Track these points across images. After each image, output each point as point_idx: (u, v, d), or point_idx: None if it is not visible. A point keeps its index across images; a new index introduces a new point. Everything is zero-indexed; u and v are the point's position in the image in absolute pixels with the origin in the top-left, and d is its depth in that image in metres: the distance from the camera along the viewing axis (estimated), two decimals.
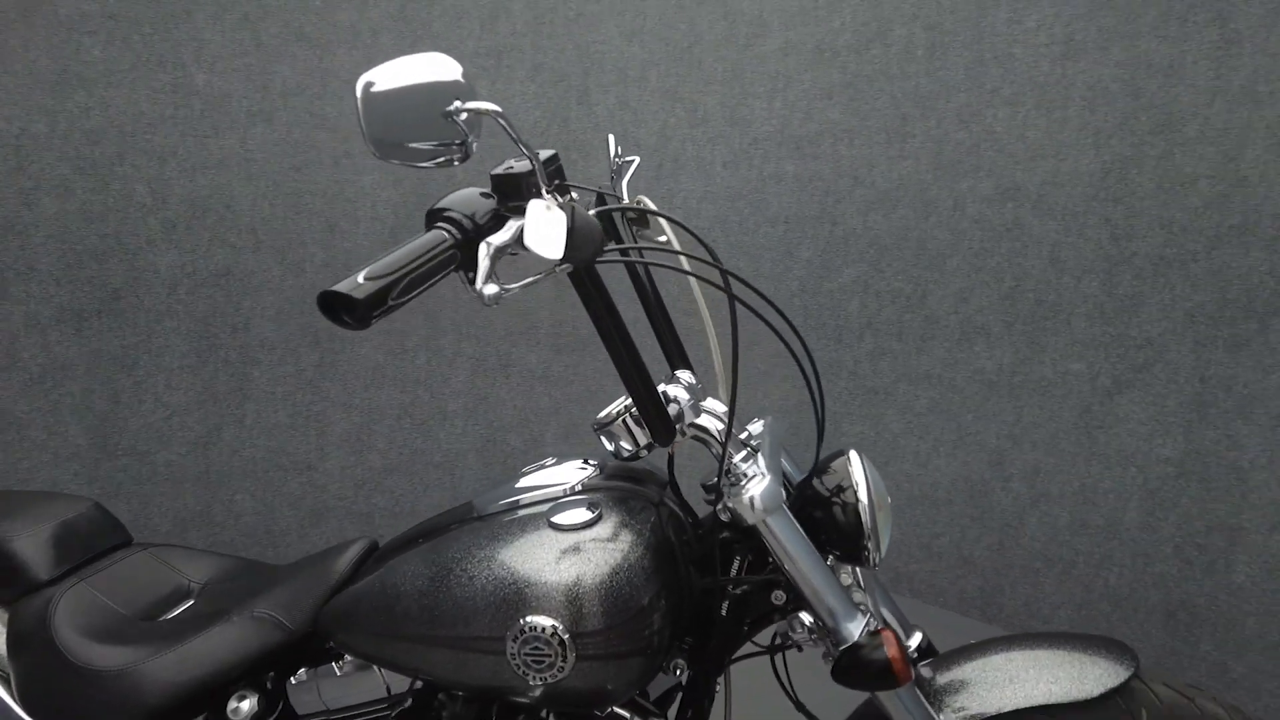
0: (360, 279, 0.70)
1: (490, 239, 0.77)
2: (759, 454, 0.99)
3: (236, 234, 2.45)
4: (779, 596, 1.01)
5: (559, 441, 2.85)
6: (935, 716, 0.94)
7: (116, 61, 2.23)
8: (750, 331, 1.00)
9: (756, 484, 0.92)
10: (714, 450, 0.99)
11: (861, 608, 0.94)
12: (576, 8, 2.63)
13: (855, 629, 0.92)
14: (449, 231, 0.77)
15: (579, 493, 1.03)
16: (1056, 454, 2.19)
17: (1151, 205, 1.98)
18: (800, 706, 1.16)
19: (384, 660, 1.01)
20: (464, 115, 0.77)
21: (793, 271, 2.60)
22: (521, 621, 0.89)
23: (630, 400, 0.99)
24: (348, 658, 1.08)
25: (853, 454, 1.01)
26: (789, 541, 0.93)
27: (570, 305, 2.76)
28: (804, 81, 2.52)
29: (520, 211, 0.79)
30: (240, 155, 2.43)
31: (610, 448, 1.02)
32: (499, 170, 0.83)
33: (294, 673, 1.10)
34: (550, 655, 0.89)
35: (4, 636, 1.12)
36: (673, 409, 0.99)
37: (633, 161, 1.31)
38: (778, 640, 1.08)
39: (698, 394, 1.04)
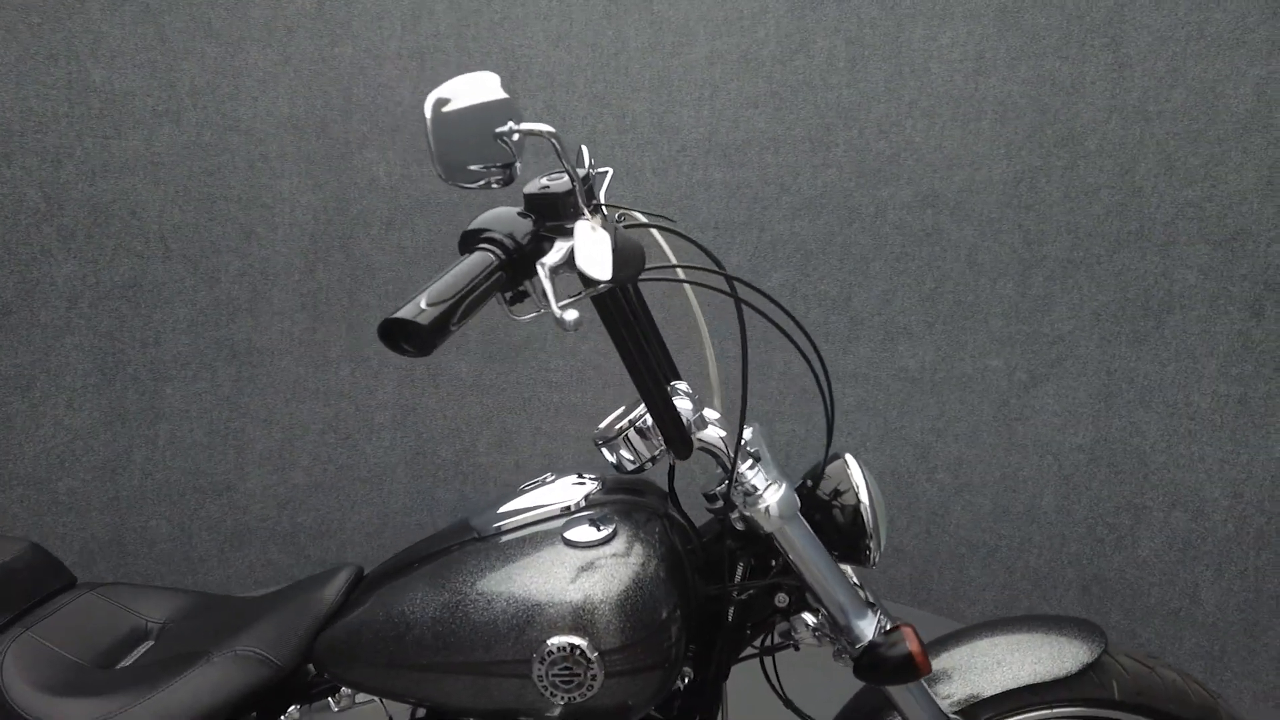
0: (423, 305, 0.68)
1: (544, 260, 0.76)
2: (760, 462, 1.02)
3: (144, 242, 2.29)
4: (782, 599, 1.04)
5: (491, 451, 2.81)
6: (939, 704, 1.00)
7: (0, 53, 2.04)
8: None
9: (773, 493, 0.95)
10: (722, 460, 1.01)
11: (872, 606, 0.99)
12: (501, 10, 2.60)
13: (868, 627, 0.96)
14: (494, 253, 0.76)
15: (584, 508, 1.02)
16: (978, 445, 2.34)
17: (1059, 212, 2.14)
18: (790, 704, 1.19)
19: (389, 691, 0.98)
20: (515, 136, 0.76)
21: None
22: (548, 642, 0.89)
23: (634, 413, 1.00)
24: (345, 691, 1.03)
25: (849, 457, 1.05)
26: (805, 547, 0.96)
27: (500, 313, 2.73)
28: (730, 90, 2.57)
29: (561, 231, 0.79)
30: (146, 158, 2.27)
31: (612, 460, 1.02)
32: (534, 189, 0.83)
33: (283, 711, 1.04)
34: (580, 674, 0.89)
35: None
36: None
37: (606, 173, 1.32)
38: (772, 641, 1.11)
39: (698, 405, 1.06)
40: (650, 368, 0.92)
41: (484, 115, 0.77)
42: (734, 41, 2.55)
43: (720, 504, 1.04)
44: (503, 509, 1.06)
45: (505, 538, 1.00)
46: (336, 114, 2.51)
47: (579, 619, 0.89)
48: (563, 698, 0.90)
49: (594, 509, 1.02)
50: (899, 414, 2.51)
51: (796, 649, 1.11)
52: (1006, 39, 2.19)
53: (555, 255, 0.77)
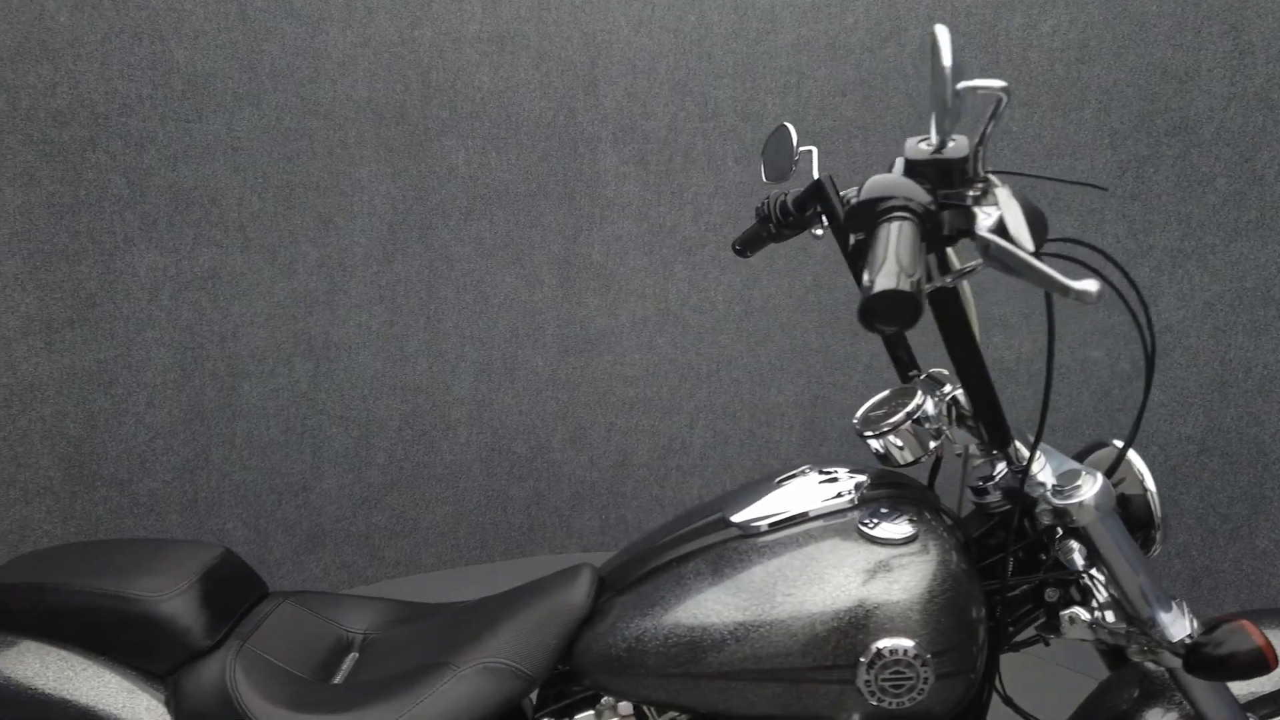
0: (893, 277, 0.62)
1: (981, 229, 0.71)
2: (1038, 452, 0.98)
3: (223, 231, 2.19)
4: (1051, 594, 1.00)
5: (565, 447, 2.74)
6: (1234, 698, 0.96)
7: (86, 31, 1.93)
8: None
9: (1089, 485, 0.90)
10: (1007, 452, 0.96)
11: (1175, 600, 0.95)
12: None
13: (1176, 621, 0.92)
14: (913, 221, 0.70)
15: (860, 504, 0.97)
16: (1077, 436, 2.32)
17: (1168, 201, 2.13)
18: (1009, 702, 1.15)
19: (673, 701, 0.92)
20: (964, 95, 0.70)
21: (807, 267, 2.62)
22: (877, 645, 0.84)
23: (911, 405, 0.95)
24: (605, 700, 0.97)
25: (1117, 443, 1.02)
26: (1119, 539, 0.92)
27: (577, 304, 2.66)
28: (817, 78, 2.53)
29: (958, 198, 0.74)
30: (226, 143, 2.17)
31: (881, 451, 0.97)
32: (921, 155, 0.77)
33: None
34: (911, 678, 0.84)
35: (159, 714, 0.94)
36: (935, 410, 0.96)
37: (811, 151, 1.27)
38: (1027, 637, 1.07)
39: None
40: (978, 355, 0.87)
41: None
42: (821, 28, 2.51)
43: (993, 496, 1.00)
44: (762, 503, 1.00)
45: (783, 533, 0.94)
46: (415, 99, 2.42)
47: (907, 619, 0.84)
48: (891, 703, 0.84)
49: (870, 504, 0.97)
50: None
51: (1046, 644, 1.07)
52: (1113, 27, 2.17)
53: (986, 222, 0.72)
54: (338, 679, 1.03)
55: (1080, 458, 1.04)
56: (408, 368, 2.53)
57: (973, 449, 1.01)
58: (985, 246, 0.70)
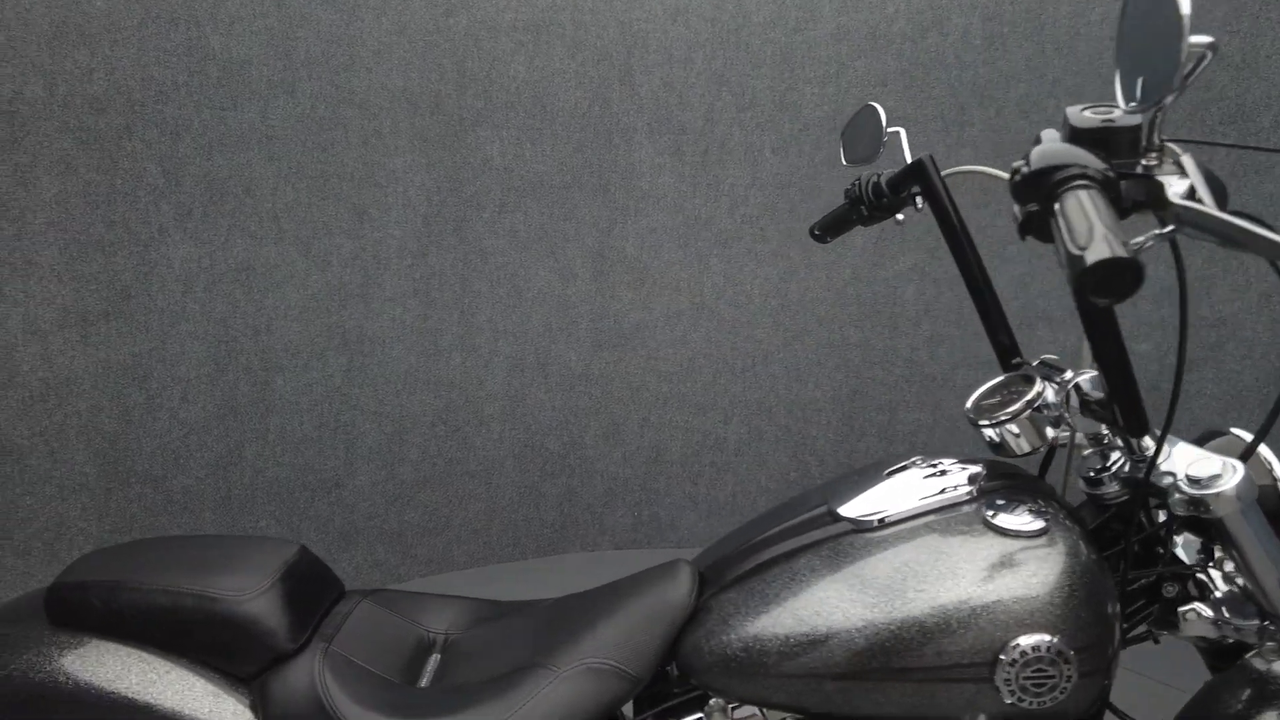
0: (1109, 245, 0.58)
1: (1175, 197, 0.67)
2: (1164, 443, 0.94)
3: (257, 222, 2.14)
4: (1170, 589, 0.96)
5: (599, 443, 2.70)
6: None
7: (122, 16, 1.88)
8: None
9: (1230, 475, 0.86)
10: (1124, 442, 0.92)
11: None
12: None
13: None
14: (1098, 189, 0.66)
15: (979, 495, 0.93)
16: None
17: None
18: (1110, 705, 1.11)
19: (792, 703, 0.87)
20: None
21: (846, 259, 2.58)
22: (1019, 642, 0.79)
23: (1030, 394, 0.91)
24: (716, 702, 0.93)
25: (1237, 432, 0.97)
26: (1259, 532, 0.88)
27: (611, 297, 2.61)
28: (857, 68, 2.49)
29: (1130, 168, 0.70)
30: (261, 131, 2.12)
31: (997, 440, 0.93)
32: (1090, 123, 0.73)
33: None
34: (1053, 676, 0.80)
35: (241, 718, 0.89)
36: (1053, 397, 0.92)
37: (899, 132, 1.23)
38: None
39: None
40: (1119, 335, 0.83)
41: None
42: (862, 18, 2.47)
43: (1109, 487, 0.96)
44: (872, 495, 0.96)
45: (902, 527, 0.90)
46: (450, 88, 2.37)
47: (1048, 614, 0.80)
48: (1031, 702, 0.80)
49: (988, 496, 0.93)
50: None
51: (1156, 641, 1.03)
52: None
53: (1178, 189, 0.67)
54: (424, 681, 0.99)
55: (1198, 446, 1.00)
56: (441, 362, 2.48)
57: (1080, 438, 0.98)
58: (1177, 215, 0.66)
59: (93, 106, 1.85)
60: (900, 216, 1.26)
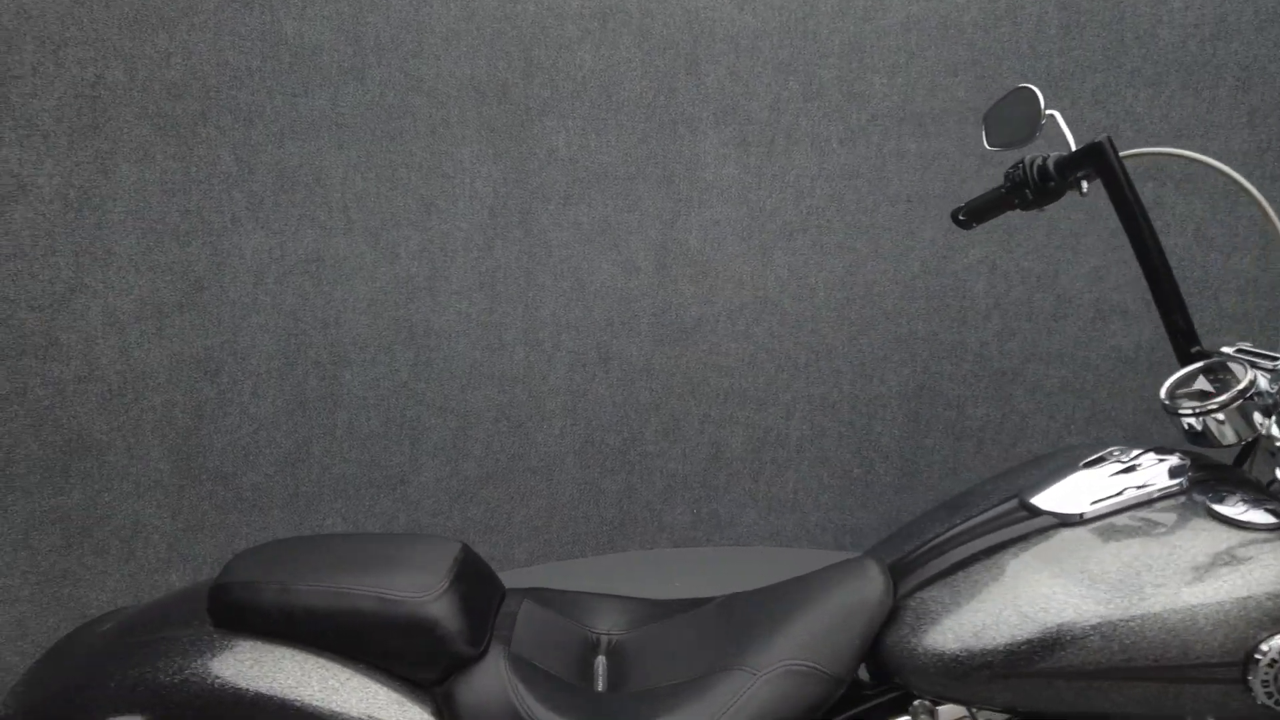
0: None
1: None
2: None
3: (327, 212, 2.09)
4: None
5: (659, 439, 2.65)
6: None
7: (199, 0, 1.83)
8: None
9: None
10: None
11: None
12: None
13: None
14: None
15: (1192, 486, 0.89)
16: None
17: None
18: None
19: (1012, 705, 0.83)
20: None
21: (914, 252, 2.54)
22: (1272, 640, 0.75)
23: (1244, 383, 0.87)
24: (921, 703, 0.89)
25: None
26: None
27: (673, 291, 2.57)
28: (927, 57, 2.45)
29: None
30: (331, 119, 2.07)
31: (1199, 430, 0.90)
32: None
33: None
34: None
35: None
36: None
37: (1055, 115, 1.19)
38: None
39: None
40: None
41: None
42: (932, 6, 2.42)
43: None
44: (1071, 485, 0.92)
45: (1118, 519, 0.86)
46: (518, 76, 2.32)
47: None
48: None
49: (1199, 487, 0.89)
50: (1109, 395, 2.41)
51: None
52: (1254, 0, 2.09)
53: None
54: (599, 684, 0.94)
55: None
56: (505, 357, 2.43)
57: (1274, 430, 0.94)
58: None
59: (170, 92, 1.80)
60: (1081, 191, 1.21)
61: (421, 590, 0.86)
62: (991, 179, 2.46)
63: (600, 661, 0.98)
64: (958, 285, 2.53)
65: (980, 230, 2.50)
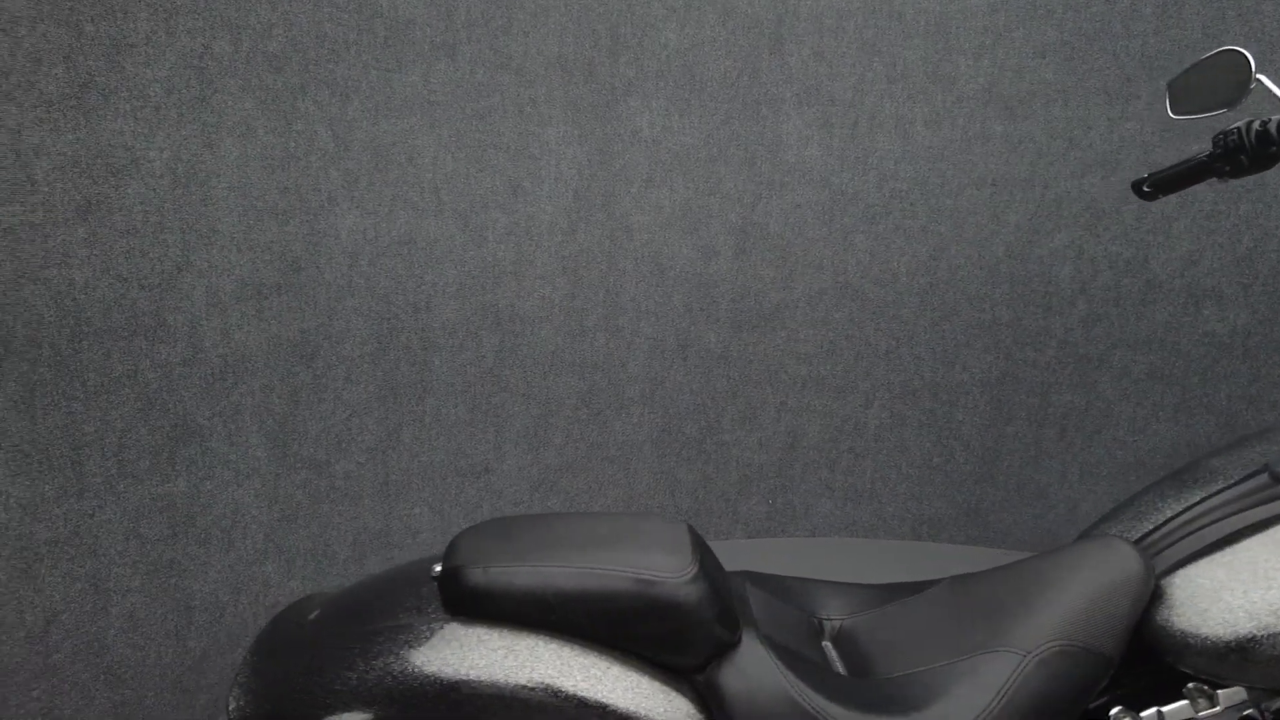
0: None
1: None
2: None
3: (419, 192, 2.03)
4: None
5: (735, 428, 2.60)
6: None
7: None
8: None
9: None
10: None
11: None
12: None
13: None
14: None
15: None
16: None
17: None
18: None
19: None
20: None
21: (999, 236, 2.49)
22: None
23: None
24: (1195, 686, 0.84)
25: None
26: None
27: (752, 276, 2.52)
28: (1015, 38, 2.40)
29: None
30: (423, 96, 2.01)
31: None
32: None
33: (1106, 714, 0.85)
34: None
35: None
36: None
37: (1261, 79, 1.14)
38: None
39: None
40: None
41: None
42: None
43: None
44: None
45: None
46: (604, 55, 2.27)
47: None
48: None
49: None
50: (1200, 381, 2.38)
51: None
52: None
53: None
54: (839, 670, 0.90)
55: None
56: (586, 343, 2.38)
57: None
58: None
59: (271, 64, 1.74)
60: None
61: (675, 571, 0.81)
62: (1077, 161, 2.42)
63: (827, 647, 0.93)
64: (1043, 270, 2.50)
65: (1067, 215, 2.47)
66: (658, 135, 2.38)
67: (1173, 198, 2.34)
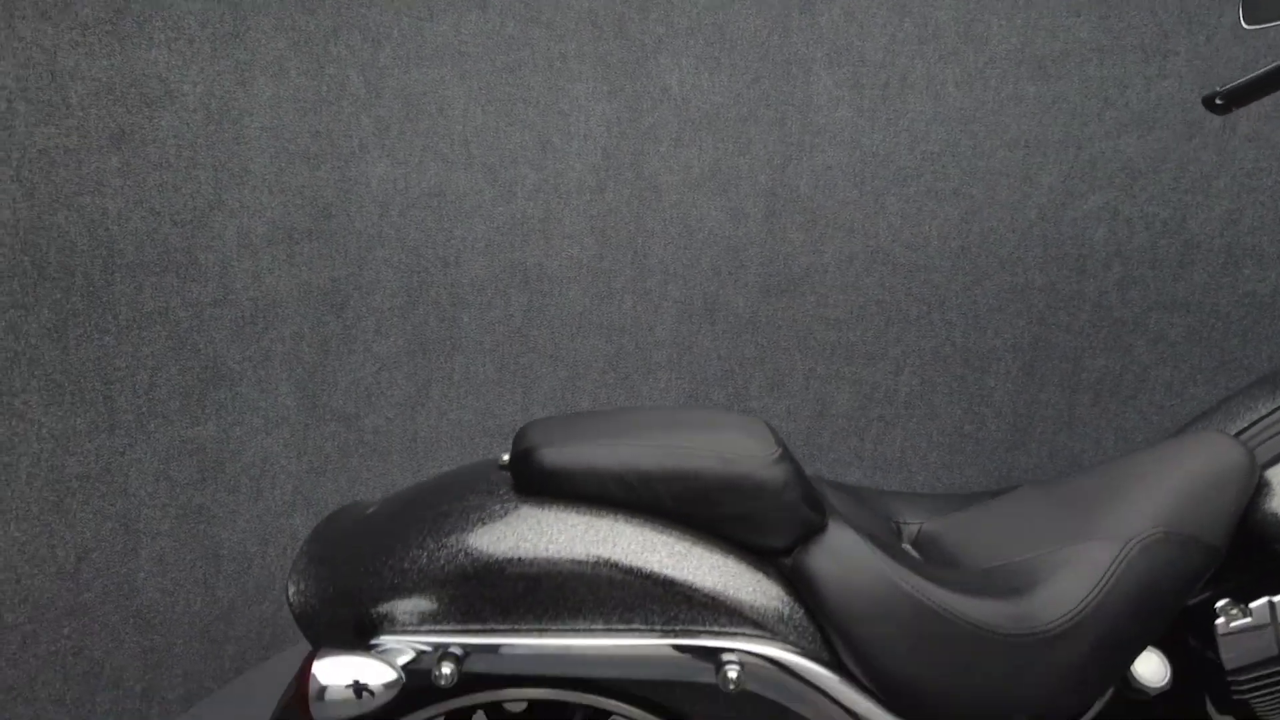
0: None
1: None
2: None
3: (449, 144, 2.00)
4: None
5: (763, 394, 2.56)
6: None
7: None
8: None
9: None
10: None
11: None
12: None
13: None
14: None
15: None
16: None
17: None
18: None
19: None
20: None
21: (1032, 199, 2.46)
22: None
23: None
24: None
25: None
26: None
27: (781, 239, 2.48)
28: None
29: None
30: (454, 47, 1.98)
31: None
32: None
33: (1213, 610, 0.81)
34: None
35: (783, 600, 0.76)
36: None
37: None
38: None
39: None
40: None
41: None
42: None
43: None
44: None
45: None
46: (634, 11, 2.24)
47: None
48: None
49: None
50: (1240, 343, 2.34)
51: None
52: None
53: None
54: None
55: None
56: (613, 305, 2.34)
57: None
58: None
59: (304, 5, 1.71)
60: None
61: (761, 452, 0.77)
62: (1112, 121, 2.38)
63: (908, 549, 0.89)
64: (1077, 233, 2.46)
65: (1102, 176, 2.43)
66: (687, 93, 2.35)
67: (1212, 154, 2.30)
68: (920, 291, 2.54)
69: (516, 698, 0.77)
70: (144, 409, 1.49)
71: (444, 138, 1.99)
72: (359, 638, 0.72)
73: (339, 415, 1.88)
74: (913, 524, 0.92)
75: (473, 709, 0.84)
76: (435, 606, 0.72)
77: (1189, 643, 0.82)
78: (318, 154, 1.77)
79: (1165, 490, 0.81)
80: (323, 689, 0.69)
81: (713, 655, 0.69)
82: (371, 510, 0.84)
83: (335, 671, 0.69)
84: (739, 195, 2.44)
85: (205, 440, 1.62)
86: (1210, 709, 0.82)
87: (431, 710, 0.77)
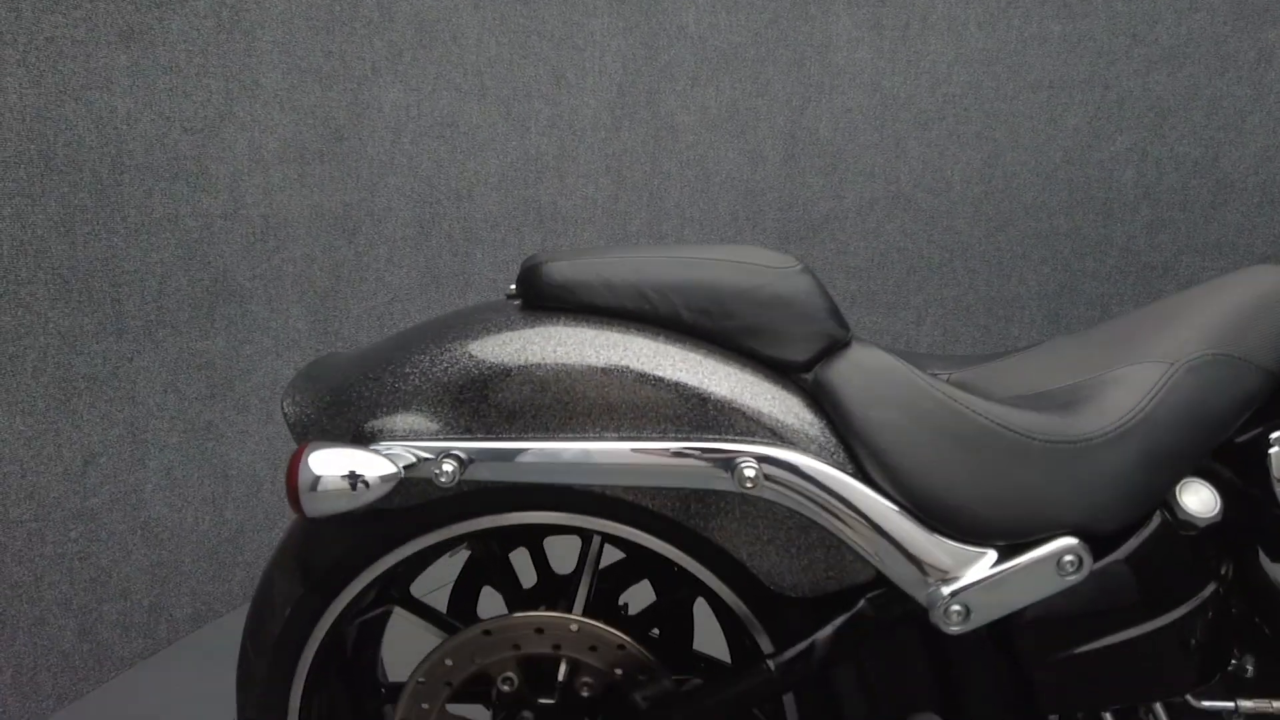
0: None
1: None
2: None
3: (462, 74, 1.97)
4: None
5: None
6: None
7: None
8: None
9: None
10: None
11: None
12: None
13: None
14: None
15: None
16: None
17: None
18: None
19: None
20: None
21: (1056, 141, 2.40)
22: None
23: None
24: None
25: None
26: None
27: (801, 184, 2.44)
28: None
29: None
30: None
31: None
32: None
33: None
34: None
35: (801, 412, 0.71)
36: None
37: None
38: None
39: None
40: None
41: None
42: None
43: None
44: None
45: None
46: None
47: None
48: None
49: None
50: None
51: None
52: None
53: None
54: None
55: None
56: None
57: None
58: None
59: None
60: None
61: (782, 264, 0.73)
62: (1141, 59, 2.32)
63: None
64: (1103, 175, 2.39)
65: (1130, 116, 2.36)
66: (704, 32, 2.31)
67: (1247, 89, 2.23)
68: (942, 238, 2.49)
69: (522, 522, 0.73)
70: (152, 316, 1.47)
71: (457, 66, 1.96)
72: (357, 444, 0.69)
73: (351, 342, 1.85)
74: (943, 374, 0.87)
75: (482, 544, 0.80)
76: (437, 412, 0.69)
77: (1240, 481, 0.77)
78: (330, 74, 1.75)
79: (1214, 316, 0.76)
80: (315, 479, 0.65)
81: (729, 460, 0.65)
82: (369, 344, 0.81)
83: (329, 462, 0.66)
84: (757, 137, 2.40)
85: (214, 355, 1.59)
86: (1262, 555, 0.77)
87: (435, 536, 0.74)
